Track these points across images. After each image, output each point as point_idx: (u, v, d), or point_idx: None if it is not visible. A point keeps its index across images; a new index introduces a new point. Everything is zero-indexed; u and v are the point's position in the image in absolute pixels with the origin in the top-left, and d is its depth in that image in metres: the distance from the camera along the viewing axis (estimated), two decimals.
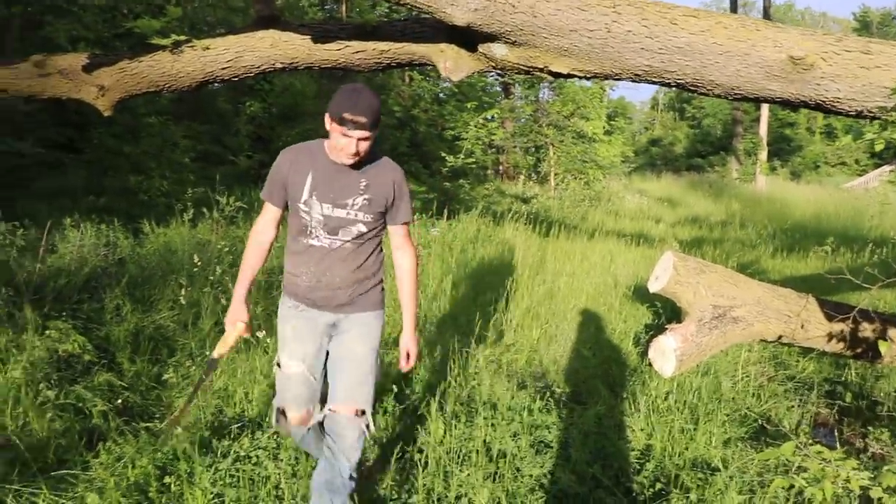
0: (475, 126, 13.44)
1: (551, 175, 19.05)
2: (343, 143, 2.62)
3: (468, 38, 3.85)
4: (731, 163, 32.48)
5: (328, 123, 2.64)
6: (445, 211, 9.61)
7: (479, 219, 9.84)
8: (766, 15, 28.57)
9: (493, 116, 14.84)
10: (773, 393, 4.58)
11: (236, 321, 2.88)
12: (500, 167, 22.39)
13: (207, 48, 4.50)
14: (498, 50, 3.80)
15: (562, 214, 13.61)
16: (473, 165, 14.02)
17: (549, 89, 21.90)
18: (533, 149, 21.25)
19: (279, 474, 3.20)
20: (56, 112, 10.62)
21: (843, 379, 4.92)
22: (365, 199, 2.77)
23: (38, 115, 10.38)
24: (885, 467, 2.97)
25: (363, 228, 2.80)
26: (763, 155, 27.61)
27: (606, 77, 3.86)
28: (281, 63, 4.48)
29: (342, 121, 2.58)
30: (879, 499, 2.83)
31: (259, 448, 3.40)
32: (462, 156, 12.28)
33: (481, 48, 3.85)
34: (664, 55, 3.68)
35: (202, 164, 11.95)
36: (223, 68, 4.58)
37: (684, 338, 4.27)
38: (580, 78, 3.89)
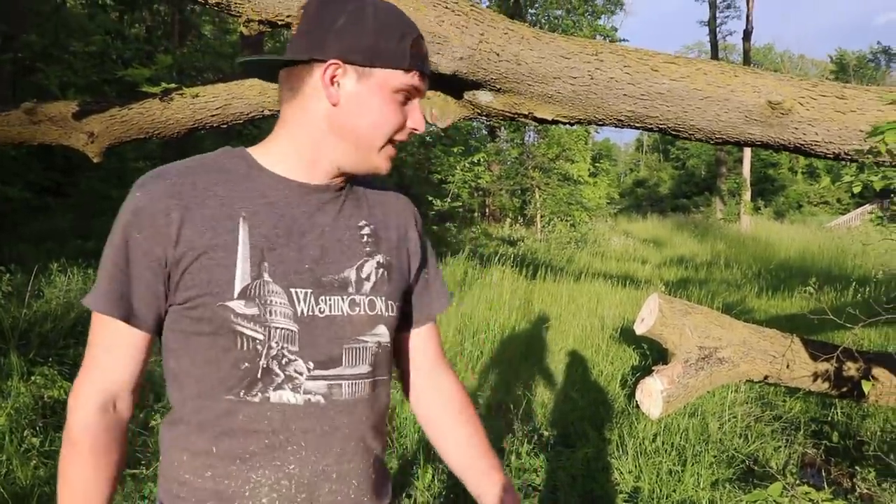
0: (461, 170, 13.57)
1: (538, 217, 19.21)
2: (403, 114, 1.22)
3: (454, 85, 3.93)
4: (716, 203, 32.87)
5: (339, 80, 1.17)
6: None
7: (466, 262, 9.89)
8: (747, 58, 29.21)
9: (479, 160, 15.01)
10: (760, 433, 4.59)
11: None
12: (487, 210, 22.54)
13: (197, 96, 4.56)
14: (483, 97, 3.87)
15: (548, 257, 13.69)
16: (460, 209, 14.13)
17: (535, 132, 22.18)
18: (519, 191, 21.43)
19: None
20: (43, 156, 10.68)
21: (829, 419, 4.94)
22: (379, 265, 1.28)
23: (25, 160, 10.44)
24: None
25: (385, 337, 1.28)
26: (747, 195, 27.99)
27: (590, 122, 3.94)
28: (269, 110, 4.54)
29: (411, 57, 1.18)
30: None
31: None
32: (448, 199, 12.39)
33: (467, 95, 3.92)
34: (646, 101, 3.76)
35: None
36: (212, 115, 4.63)
37: (671, 379, 4.30)
38: (564, 124, 3.96)
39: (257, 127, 14.41)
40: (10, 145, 4.85)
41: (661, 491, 3.66)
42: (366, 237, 1.27)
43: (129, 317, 1.14)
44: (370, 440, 1.25)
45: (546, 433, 4.38)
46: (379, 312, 1.25)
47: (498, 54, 3.58)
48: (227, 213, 1.15)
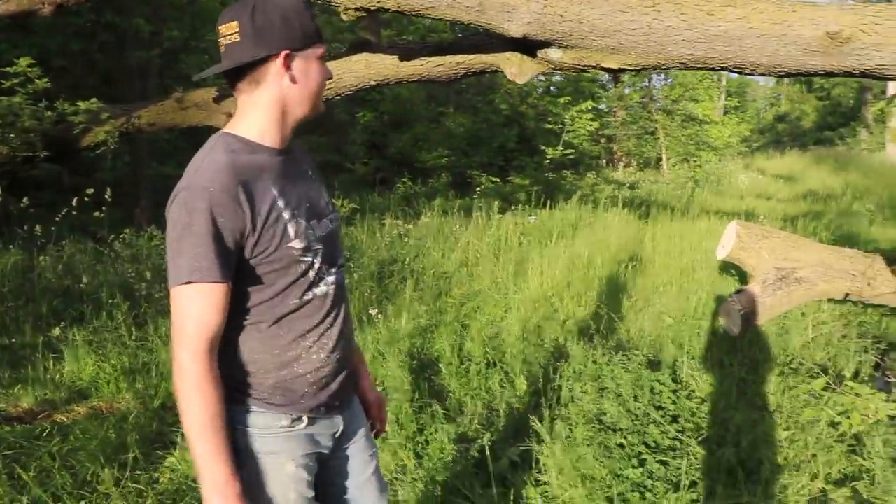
0: (570, 118, 13.85)
1: (664, 160, 19.13)
2: (325, 68, 1.76)
3: (528, 45, 4.40)
4: (862, 133, 31.05)
5: (290, 64, 1.67)
6: (547, 201, 10.11)
7: (580, 206, 10.27)
8: None
9: (587, 108, 15.17)
10: (844, 349, 4.84)
11: None
12: (614, 156, 22.56)
13: None
14: (554, 54, 4.32)
15: (667, 197, 13.76)
16: (572, 156, 14.43)
17: (659, 75, 21.90)
18: (645, 135, 21.31)
19: None
20: (191, 137, 11.99)
21: None
22: (323, 190, 1.91)
23: (175, 142, 11.75)
24: None
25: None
26: (893, 121, 26.28)
27: (655, 68, 4.31)
28: (374, 80, 5.16)
29: (320, 37, 1.74)
30: None
31: None
32: (560, 148, 12.74)
33: (540, 53, 4.38)
34: (704, 44, 4.10)
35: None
36: (326, 89, 5.32)
37: (748, 299, 4.65)
38: (630, 71, 4.36)
39: (380, 92, 15.24)
40: (164, 129, 5.75)
41: (730, 396, 4.07)
42: (311, 174, 1.86)
43: (229, 279, 1.57)
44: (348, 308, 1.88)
45: (637, 352, 4.83)
46: (339, 223, 1.89)
47: (561, 16, 4.03)
48: (264, 183, 1.64)
